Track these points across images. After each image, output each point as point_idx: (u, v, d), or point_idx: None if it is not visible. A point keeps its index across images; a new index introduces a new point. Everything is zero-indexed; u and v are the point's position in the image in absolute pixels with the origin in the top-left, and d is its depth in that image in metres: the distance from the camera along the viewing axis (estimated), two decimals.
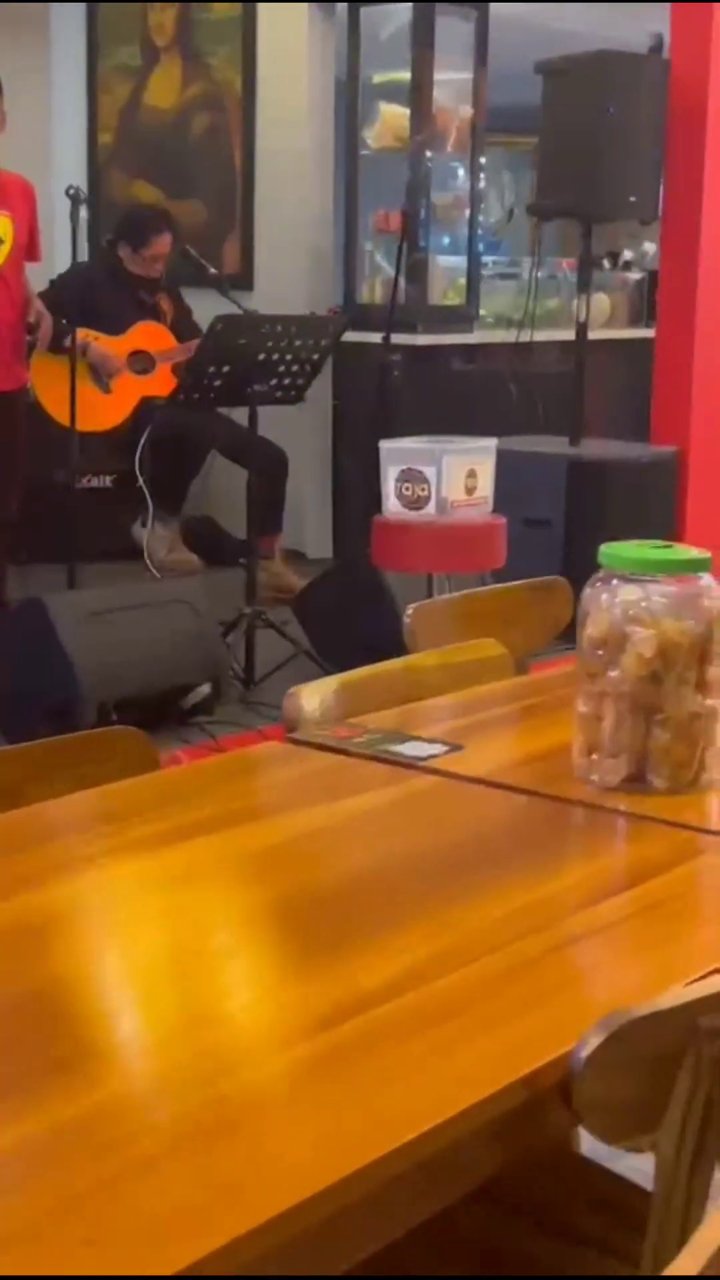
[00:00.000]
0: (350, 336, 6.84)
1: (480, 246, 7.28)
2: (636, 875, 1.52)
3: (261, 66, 6.97)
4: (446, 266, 7.11)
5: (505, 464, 4.66)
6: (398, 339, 6.48)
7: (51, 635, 3.92)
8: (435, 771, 1.80)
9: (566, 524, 5.55)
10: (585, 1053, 1.10)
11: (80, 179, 7.45)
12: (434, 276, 6.98)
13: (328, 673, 4.71)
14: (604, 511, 5.57)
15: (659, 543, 1.76)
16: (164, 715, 4.24)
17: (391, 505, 4.36)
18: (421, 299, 6.86)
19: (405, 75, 6.79)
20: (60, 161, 7.45)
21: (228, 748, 4.21)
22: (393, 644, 4.42)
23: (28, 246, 4.86)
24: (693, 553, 1.74)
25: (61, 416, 5.64)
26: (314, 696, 2.06)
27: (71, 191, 4.66)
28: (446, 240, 7.15)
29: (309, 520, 7.06)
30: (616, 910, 1.42)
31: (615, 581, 1.73)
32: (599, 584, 1.75)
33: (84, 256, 5.31)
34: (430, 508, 4.32)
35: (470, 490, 4.38)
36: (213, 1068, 1.11)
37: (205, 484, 6.90)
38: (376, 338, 6.16)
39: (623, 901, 1.45)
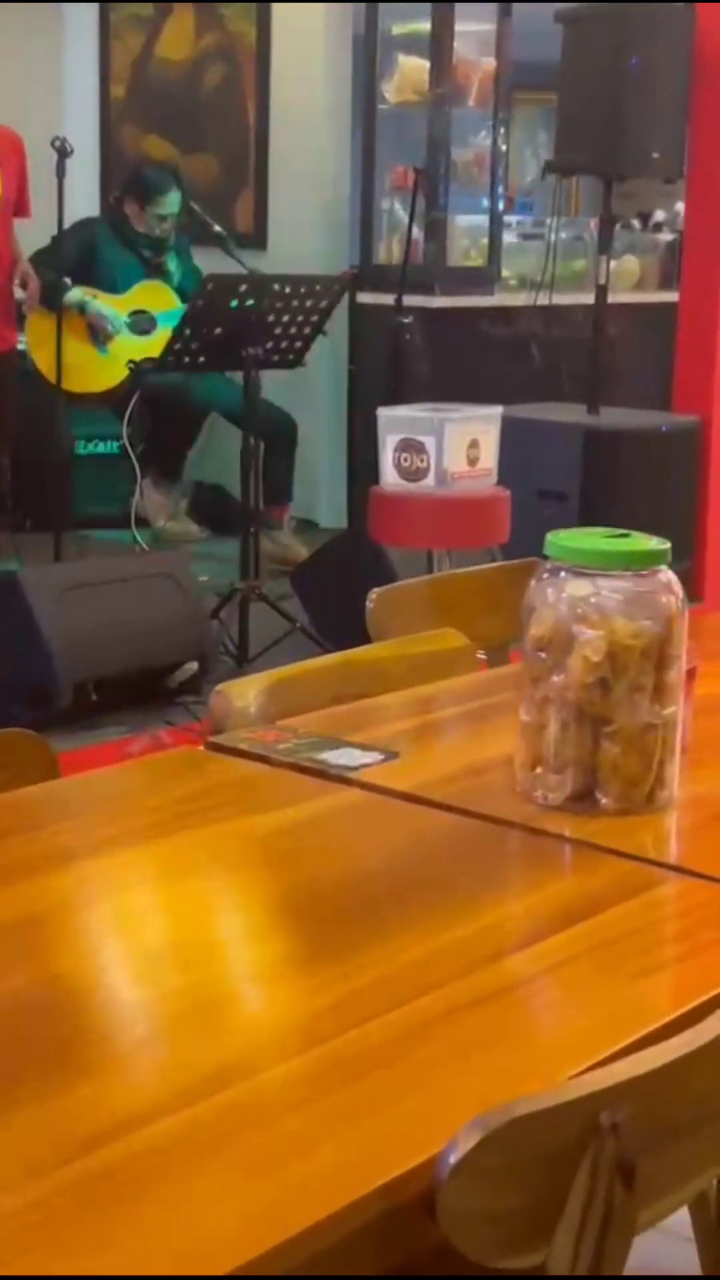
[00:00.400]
0: (366, 298, 6.66)
1: (502, 205, 7.04)
2: (574, 913, 1.33)
3: (276, 17, 6.75)
4: (467, 226, 6.88)
5: (519, 433, 4.46)
6: (413, 301, 6.27)
7: (26, 612, 3.76)
8: (362, 785, 1.61)
9: (582, 497, 5.34)
10: (454, 1158, 0.92)
11: (92, 133, 7.26)
12: (453, 236, 6.76)
13: (325, 651, 4.54)
14: (622, 484, 5.36)
15: (613, 531, 1.56)
16: (149, 695, 4.07)
17: (389, 476, 4.17)
18: (440, 259, 6.64)
19: (425, 26, 6.56)
20: (72, 115, 7.26)
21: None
22: None
23: (16, 202, 4.66)
24: (650, 543, 1.54)
25: (65, 382, 5.47)
26: (245, 694, 1.88)
27: (58, 143, 4.46)
28: (468, 199, 6.92)
29: (322, 488, 6.87)
30: (542, 957, 1.24)
31: (563, 574, 1.54)
32: (545, 577, 1.55)
33: (72, 211, 5.11)
34: (429, 479, 4.12)
35: (472, 461, 4.17)
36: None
37: (219, 450, 6.71)
38: (393, 299, 5.96)
39: (552, 946, 1.26)
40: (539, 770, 1.56)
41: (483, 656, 2.55)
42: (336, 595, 4.71)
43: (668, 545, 1.54)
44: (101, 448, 6.36)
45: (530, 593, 1.56)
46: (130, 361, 5.25)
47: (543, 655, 1.54)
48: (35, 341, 5.48)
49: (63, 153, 4.44)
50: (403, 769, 1.66)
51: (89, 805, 1.60)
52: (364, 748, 1.73)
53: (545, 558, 1.55)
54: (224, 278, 4.41)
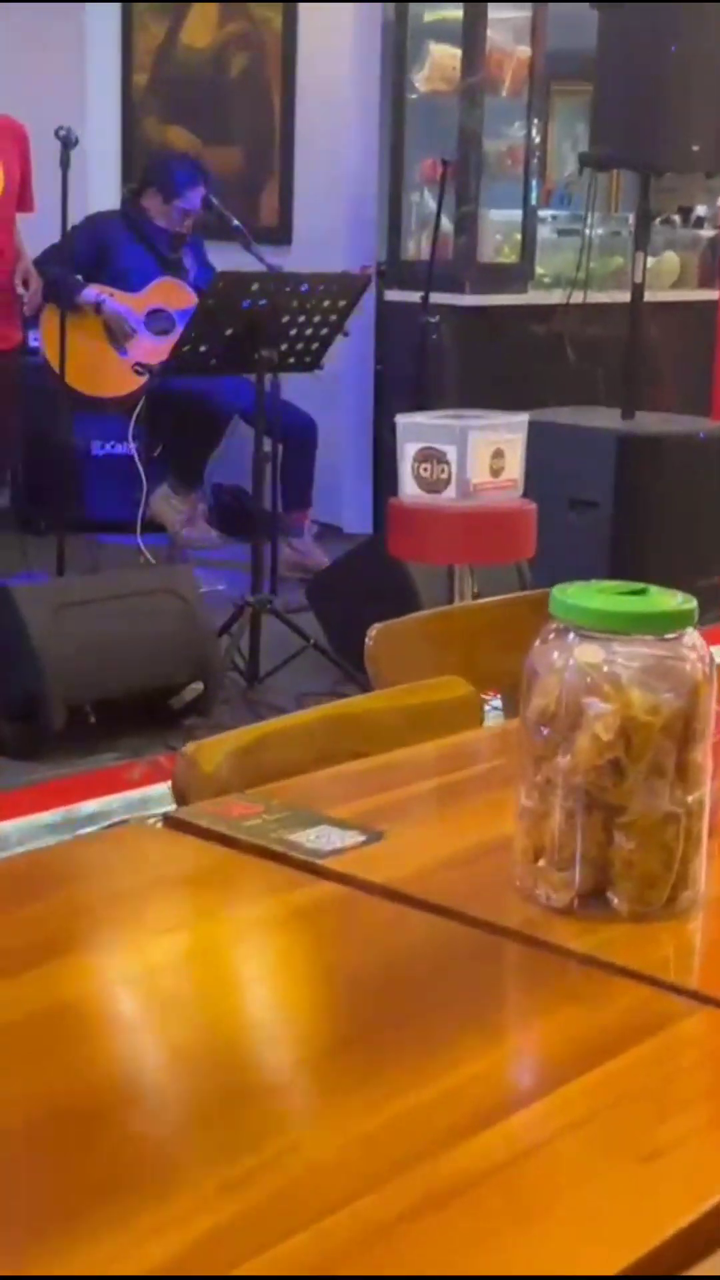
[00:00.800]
0: (394, 295, 6.43)
1: (537, 199, 6.79)
2: (573, 1059, 1.10)
3: (303, 4, 6.52)
4: (500, 221, 6.64)
5: (550, 439, 4.24)
6: (442, 299, 6.06)
7: (17, 627, 3.55)
8: (337, 876, 1.39)
9: (616, 507, 5.10)
10: None
11: (113, 124, 7.06)
12: (485, 231, 6.52)
13: (340, 669, 4.32)
14: (657, 493, 5.12)
15: (629, 586, 1.33)
16: (150, 717, 3.86)
17: (408, 488, 3.94)
18: (471, 255, 6.40)
19: (457, 13, 6.32)
20: (93, 106, 7.05)
21: None
22: None
23: (19, 196, 4.44)
24: (673, 601, 1.31)
25: (73, 380, 5.27)
26: (213, 757, 1.66)
27: (62, 133, 4.24)
28: (501, 192, 6.67)
29: (347, 493, 6.66)
30: (525, 1130, 1.01)
31: (571, 637, 1.31)
32: (550, 638, 1.33)
33: (93, 205, 4.90)
34: (451, 491, 3.89)
35: (496, 471, 3.94)
36: None
37: (241, 452, 6.50)
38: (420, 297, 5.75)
39: (539, 1114, 1.03)
40: (541, 863, 1.34)
41: (496, 705, 2.33)
42: (354, 610, 4.49)
43: (693, 604, 1.30)
44: (120, 449, 6.16)
45: (532, 656, 1.33)
46: (137, 365, 5.03)
47: (546, 731, 1.31)
48: (50, 340, 5.28)
49: (67, 142, 4.22)
50: (385, 855, 1.44)
51: (10, 898, 1.38)
52: (343, 826, 1.50)
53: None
54: (235, 275, 4.19)
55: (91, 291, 5.50)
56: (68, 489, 4.90)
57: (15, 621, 3.55)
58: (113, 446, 6.08)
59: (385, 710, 1.87)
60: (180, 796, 1.61)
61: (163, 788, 3.73)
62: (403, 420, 3.94)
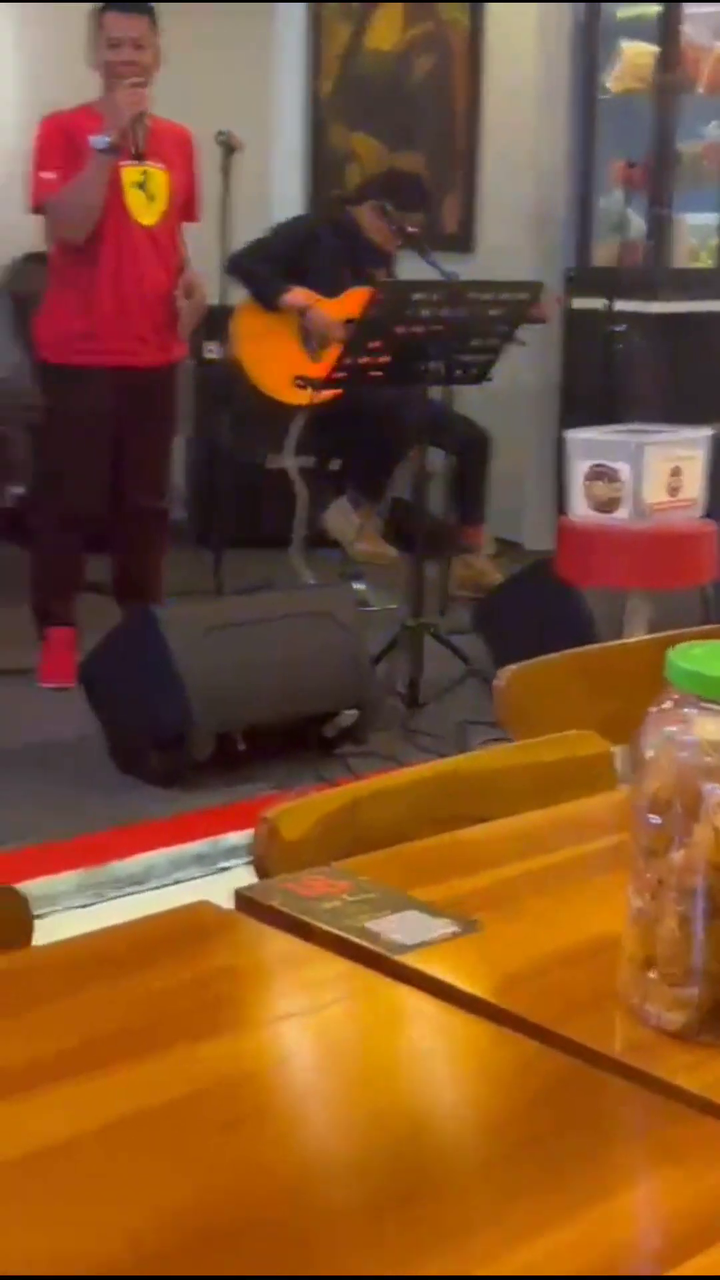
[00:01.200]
0: (582, 303, 6.19)
1: None
2: (682, 1239, 0.90)
3: (490, 4, 6.32)
4: (695, 225, 6.35)
5: None
6: (632, 306, 5.81)
7: (162, 653, 3.42)
8: (417, 977, 1.20)
9: None
10: None
11: (299, 128, 6.96)
12: (679, 236, 6.24)
13: None
14: None
15: None
16: (303, 745, 3.71)
17: (579, 507, 3.73)
18: (663, 261, 6.14)
19: (652, 9, 6.06)
20: (280, 112, 6.96)
21: None
22: None
23: (185, 205, 4.32)
24: None
25: (270, 386, 5.10)
26: (301, 823, 1.48)
27: (222, 138, 4.11)
28: (696, 195, 6.38)
29: (529, 508, 6.43)
30: None
31: (689, 709, 1.11)
32: (664, 710, 1.12)
33: (238, 210, 4.73)
34: (624, 510, 3.67)
35: (674, 491, 3.71)
36: None
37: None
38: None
39: None
40: (652, 975, 1.13)
41: None
42: (522, 633, 4.28)
43: None
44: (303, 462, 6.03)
45: (643, 729, 1.13)
46: (299, 378, 4.85)
47: (658, 820, 1.11)
48: (250, 343, 5.13)
49: (227, 146, 4.09)
50: (477, 952, 1.25)
51: (56, 992, 1.21)
52: (434, 912, 1.31)
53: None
54: (399, 284, 4.02)
55: (298, 297, 5.28)
56: (238, 502, 4.76)
57: (160, 645, 3.42)
58: (290, 458, 5.94)
59: (503, 769, 1.68)
60: (260, 867, 1.44)
61: None
62: (573, 435, 3.74)
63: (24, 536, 5.90)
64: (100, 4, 4.17)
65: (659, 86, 6.06)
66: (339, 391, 4.73)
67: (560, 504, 6.42)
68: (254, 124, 5.67)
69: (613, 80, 6.24)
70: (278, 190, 6.87)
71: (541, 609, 4.23)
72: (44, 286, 6.49)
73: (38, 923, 1.37)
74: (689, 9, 6.01)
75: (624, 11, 6.22)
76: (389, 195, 5.53)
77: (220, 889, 1.39)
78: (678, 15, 6.00)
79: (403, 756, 3.80)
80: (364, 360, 3.88)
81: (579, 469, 3.69)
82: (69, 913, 3.21)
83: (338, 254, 5.58)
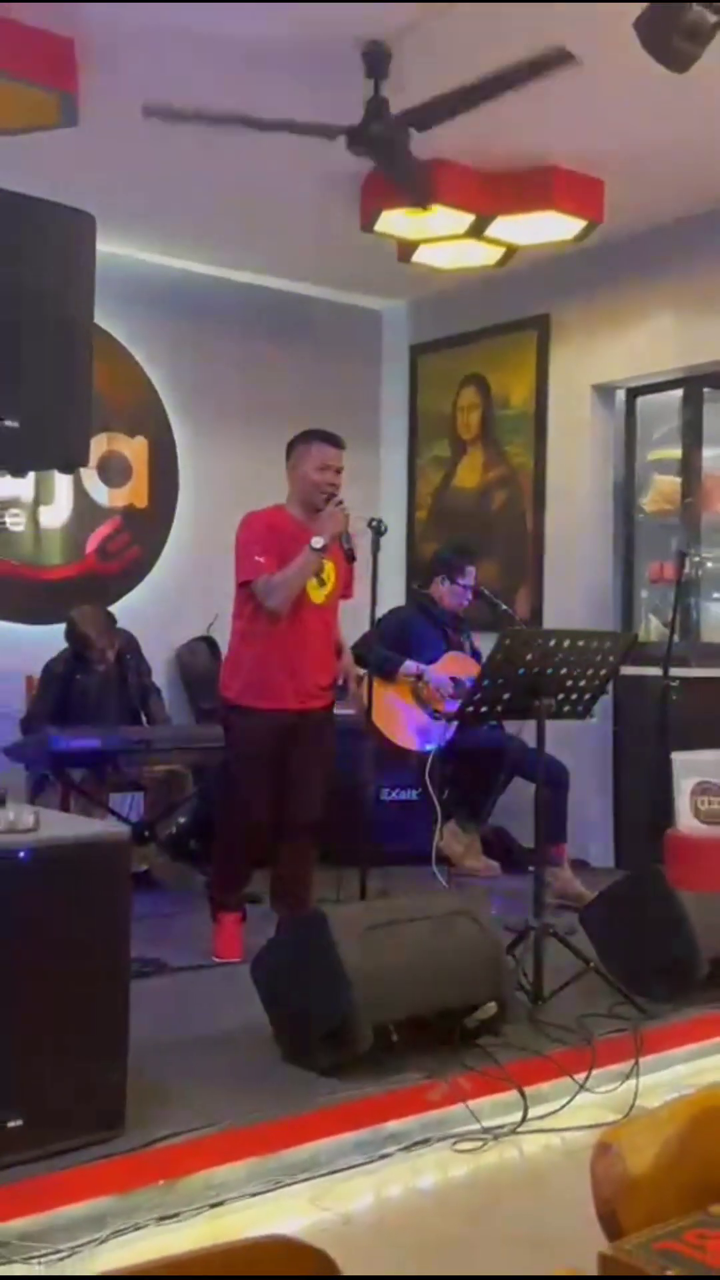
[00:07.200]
0: (628, 671, 5.72)
1: None
2: None
3: (550, 451, 6.12)
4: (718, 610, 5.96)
5: None
6: (674, 671, 5.35)
7: (330, 950, 2.78)
8: None
9: None
10: None
11: (399, 546, 6.70)
12: (706, 619, 5.85)
13: (617, 991, 3.40)
14: None
15: None
16: (446, 1035, 2.99)
17: (685, 820, 3.12)
18: (695, 638, 5.72)
19: (676, 453, 5.81)
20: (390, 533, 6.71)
21: (513, 1075, 2.92)
22: (687, 967, 3.02)
23: (345, 585, 4.01)
24: None
25: (394, 735, 4.67)
26: (644, 1147, 0.86)
27: (374, 523, 3.74)
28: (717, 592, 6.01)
29: (594, 831, 5.80)
30: None
31: None
32: None
33: (386, 583, 4.37)
34: None
35: None
36: None
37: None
38: (653, 671, 5.09)
39: None
40: None
41: None
42: (625, 934, 3.60)
43: None
44: (405, 794, 5.52)
45: None
46: (432, 711, 4.37)
47: None
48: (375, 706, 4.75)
49: (378, 531, 3.71)
50: None
51: None
52: None
53: None
54: (519, 633, 3.54)
55: (411, 665, 5.03)
56: (367, 827, 4.17)
57: (328, 942, 2.78)
58: (400, 792, 5.42)
59: None
60: (608, 1213, 0.81)
61: (460, 1109, 2.84)
62: (680, 757, 3.16)
63: (188, 856, 5.32)
64: (312, 431, 3.92)
65: (684, 509, 5.76)
66: (450, 737, 4.29)
67: (618, 828, 5.81)
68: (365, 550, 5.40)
69: (647, 504, 5.95)
70: (383, 590, 6.56)
71: (641, 912, 3.56)
72: (204, 658, 6.13)
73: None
74: (708, 452, 5.77)
75: (654, 454, 6.00)
76: (447, 565, 5.31)
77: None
78: (698, 456, 5.75)
79: (534, 1046, 3.08)
80: (491, 696, 3.36)
81: (684, 786, 3.11)
82: (244, 1199, 2.48)
83: (430, 629, 5.28)
